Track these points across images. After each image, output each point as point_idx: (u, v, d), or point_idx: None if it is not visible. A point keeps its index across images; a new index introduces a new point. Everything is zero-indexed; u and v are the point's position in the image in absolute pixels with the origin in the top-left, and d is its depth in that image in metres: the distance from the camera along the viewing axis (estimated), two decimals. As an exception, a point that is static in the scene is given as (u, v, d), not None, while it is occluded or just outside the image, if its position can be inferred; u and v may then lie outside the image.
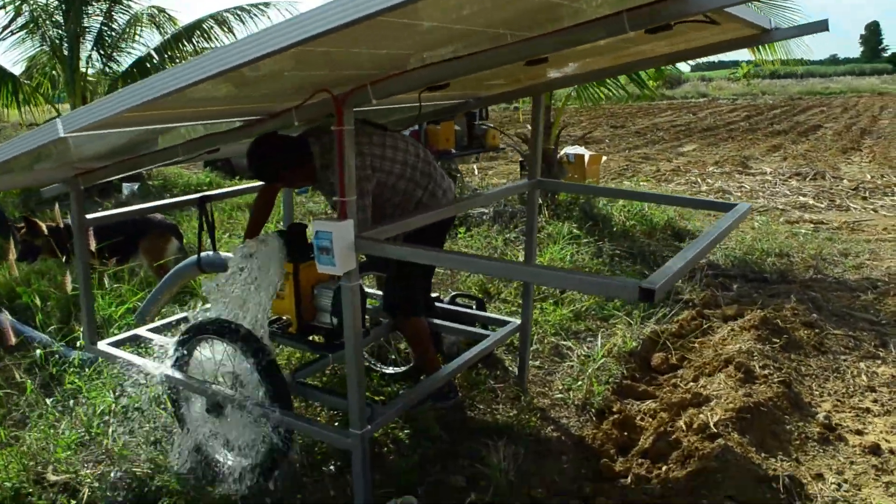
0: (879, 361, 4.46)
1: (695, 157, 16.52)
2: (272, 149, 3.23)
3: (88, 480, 3.15)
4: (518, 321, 3.86)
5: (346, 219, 2.40)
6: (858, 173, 13.17)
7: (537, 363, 4.41)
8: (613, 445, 3.52)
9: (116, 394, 3.85)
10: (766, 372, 3.96)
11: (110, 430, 3.57)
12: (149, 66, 9.52)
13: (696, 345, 4.80)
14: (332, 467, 3.27)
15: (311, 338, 3.38)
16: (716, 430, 3.34)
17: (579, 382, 4.02)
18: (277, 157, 3.23)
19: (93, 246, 4.27)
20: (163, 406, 3.59)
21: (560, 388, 4.09)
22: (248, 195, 7.80)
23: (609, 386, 4.06)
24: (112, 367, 3.98)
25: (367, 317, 3.61)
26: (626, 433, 3.62)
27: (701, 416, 3.52)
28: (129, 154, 3.16)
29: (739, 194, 11.31)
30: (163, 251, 5.77)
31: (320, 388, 3.56)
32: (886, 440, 3.54)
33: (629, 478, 3.27)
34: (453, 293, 4.64)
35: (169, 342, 3.47)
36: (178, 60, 9.61)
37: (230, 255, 3.97)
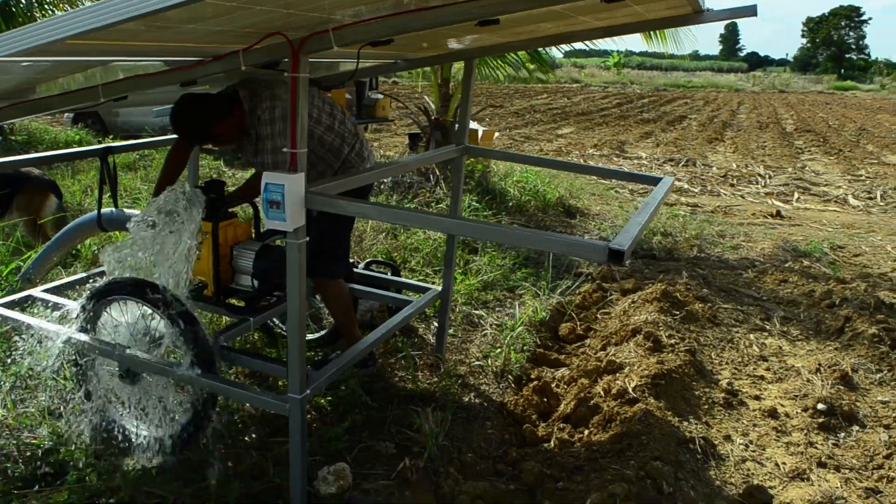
0: (766, 334, 4.78)
1: (573, 139, 17.06)
2: (200, 103, 3.07)
3: (-21, 454, 2.85)
4: (439, 288, 3.83)
5: (297, 172, 2.26)
6: (724, 162, 14.06)
7: (451, 331, 4.40)
8: (535, 411, 3.58)
9: (2, 360, 3.52)
10: (672, 341, 4.15)
11: (-3, 400, 3.26)
12: (14, 10, 8.63)
13: (598, 316, 4.97)
14: (253, 436, 3.12)
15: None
16: (634, 395, 3.47)
17: (498, 350, 4.05)
18: (206, 109, 3.06)
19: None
20: (62, 373, 3.30)
21: (477, 355, 4.10)
22: (124, 154, 7.33)
23: (524, 354, 4.12)
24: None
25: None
26: (545, 399, 3.69)
27: (618, 382, 3.64)
28: (26, 96, 2.85)
29: (620, 176, 11.77)
30: (40, 209, 5.30)
31: (247, 352, 3.38)
32: (781, 405, 3.80)
33: (552, 442, 3.34)
34: (368, 259, 4.55)
35: (73, 304, 3.19)
36: (48, 6, 8.76)
37: (135, 212, 3.69)
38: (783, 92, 44.49)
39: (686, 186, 11.01)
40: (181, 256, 2.97)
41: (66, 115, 12.16)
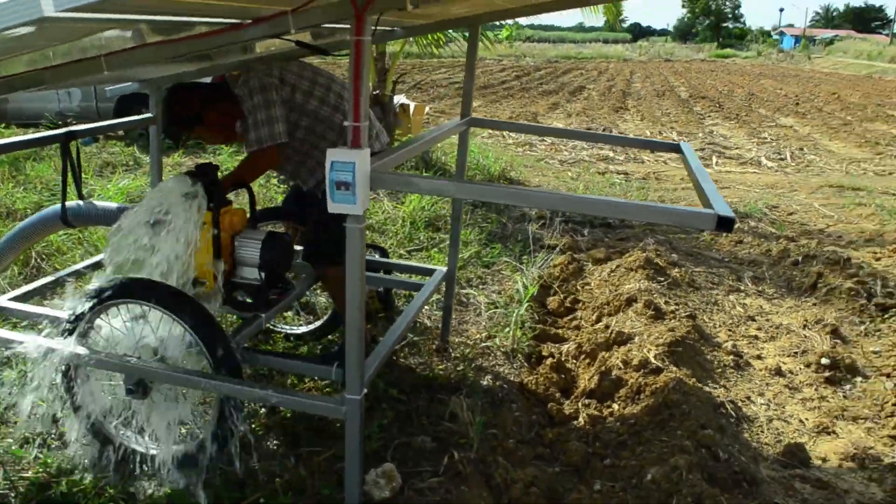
0: (743, 294, 4.86)
1: (484, 112, 16.99)
2: (192, 89, 2.98)
3: (-32, 494, 2.47)
4: (444, 268, 3.64)
5: (362, 147, 2.02)
6: (636, 130, 14.39)
7: (442, 313, 4.21)
8: (556, 389, 3.47)
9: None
10: (671, 308, 4.13)
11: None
12: None
13: (579, 287, 4.90)
14: (275, 444, 2.86)
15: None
16: (658, 364, 3.41)
17: (506, 329, 3.91)
18: (198, 94, 2.94)
19: None
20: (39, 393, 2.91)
21: (479, 336, 3.94)
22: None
23: (528, 331, 3.99)
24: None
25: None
26: (562, 375, 3.59)
27: (633, 352, 3.57)
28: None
29: (543, 147, 11.82)
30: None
31: (274, 353, 3.10)
32: (783, 363, 3.85)
33: (581, 419, 3.24)
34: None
35: (58, 312, 2.80)
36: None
37: (108, 204, 3.30)
38: (669, 61, 46.16)
39: (611, 154, 11.17)
40: (185, 251, 2.67)
41: (-56, 103, 10.97)
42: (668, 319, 3.98)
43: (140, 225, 2.69)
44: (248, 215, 3.10)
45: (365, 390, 2.32)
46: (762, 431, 3.20)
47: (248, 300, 3.01)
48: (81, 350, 2.53)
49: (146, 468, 2.59)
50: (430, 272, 3.63)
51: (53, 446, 2.77)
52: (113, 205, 3.23)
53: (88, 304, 2.57)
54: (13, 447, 2.74)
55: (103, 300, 2.55)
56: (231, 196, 2.99)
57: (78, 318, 2.59)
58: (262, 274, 2.90)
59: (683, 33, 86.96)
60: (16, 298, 3.04)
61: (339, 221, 3.15)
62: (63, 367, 2.63)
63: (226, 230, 2.87)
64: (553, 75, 30.83)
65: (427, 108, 11.18)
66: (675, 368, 3.40)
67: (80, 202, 3.27)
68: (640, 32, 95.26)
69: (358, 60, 1.96)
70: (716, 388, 3.45)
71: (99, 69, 2.20)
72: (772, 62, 45.96)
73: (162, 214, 2.67)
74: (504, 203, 3.13)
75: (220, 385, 2.40)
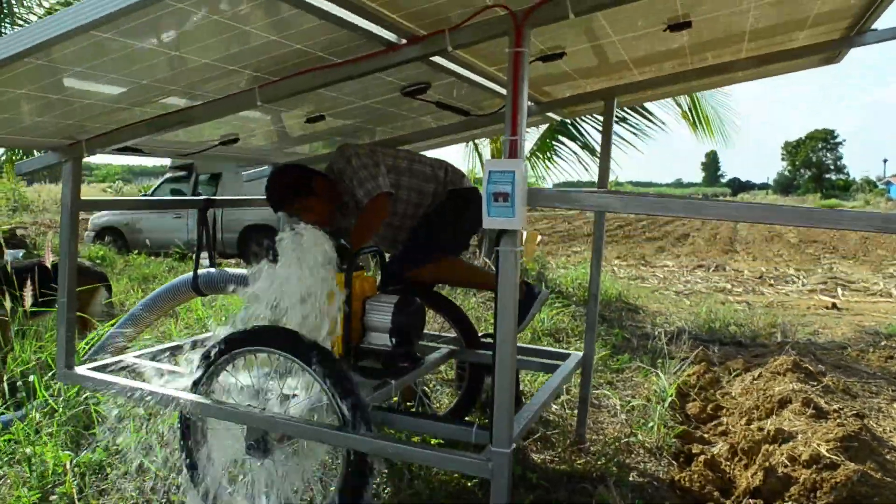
0: (909, 405, 4.32)
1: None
2: (292, 169, 3.11)
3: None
4: (580, 353, 3.39)
5: (517, 158, 1.91)
6: (749, 267, 13.86)
7: (573, 411, 3.89)
8: (713, 487, 3.05)
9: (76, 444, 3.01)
10: (835, 407, 3.67)
11: (72, 490, 2.73)
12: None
13: (718, 395, 4.48)
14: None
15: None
16: (833, 459, 2.96)
17: (650, 424, 3.55)
18: (299, 170, 3.08)
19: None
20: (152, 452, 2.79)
21: (616, 434, 3.59)
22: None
23: (671, 430, 3.61)
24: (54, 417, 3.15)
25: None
26: (718, 475, 3.17)
27: (799, 448, 3.13)
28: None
29: (655, 280, 11.49)
30: (89, 302, 4.90)
31: (410, 413, 2.92)
32: (977, 472, 3.29)
33: (747, 520, 2.81)
34: (482, 333, 4.10)
35: (177, 367, 2.73)
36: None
37: (238, 271, 3.30)
38: (772, 211, 45.33)
39: (728, 287, 10.72)
40: (325, 308, 2.58)
41: (86, 233, 12.21)
42: (833, 418, 3.51)
43: (277, 278, 2.63)
44: (377, 282, 3.02)
45: (514, 445, 2.06)
46: (972, 539, 2.67)
47: (377, 367, 2.85)
48: (204, 400, 2.41)
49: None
50: (564, 356, 3.38)
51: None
52: (244, 271, 3.22)
53: (219, 350, 2.47)
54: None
55: (232, 348, 2.46)
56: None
57: (206, 364, 2.50)
58: (393, 339, 2.76)
59: (784, 186, 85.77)
60: (140, 357, 2.99)
61: (423, 241, 3.09)
62: (183, 421, 2.52)
63: (357, 295, 2.77)
64: (655, 224, 30.67)
65: (539, 237, 11.21)
66: (852, 465, 2.94)
67: (212, 270, 3.29)
68: (739, 187, 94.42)
69: (517, 72, 1.90)
70: (904, 490, 2.94)
71: (252, 101, 2.23)
72: (881, 211, 44.37)
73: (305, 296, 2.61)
74: (682, 216, 2.88)
75: (357, 440, 2.19)
